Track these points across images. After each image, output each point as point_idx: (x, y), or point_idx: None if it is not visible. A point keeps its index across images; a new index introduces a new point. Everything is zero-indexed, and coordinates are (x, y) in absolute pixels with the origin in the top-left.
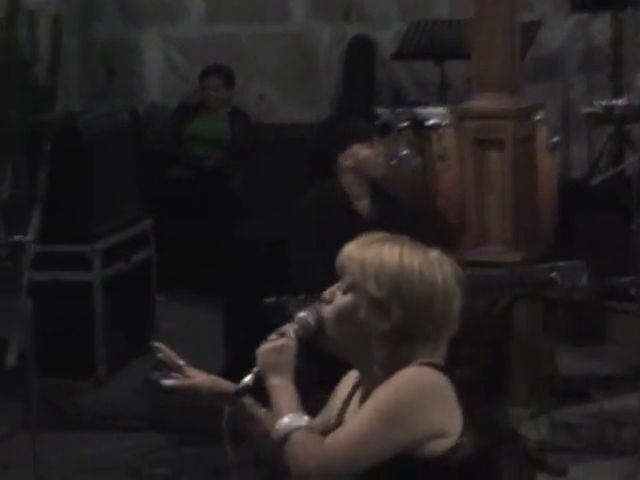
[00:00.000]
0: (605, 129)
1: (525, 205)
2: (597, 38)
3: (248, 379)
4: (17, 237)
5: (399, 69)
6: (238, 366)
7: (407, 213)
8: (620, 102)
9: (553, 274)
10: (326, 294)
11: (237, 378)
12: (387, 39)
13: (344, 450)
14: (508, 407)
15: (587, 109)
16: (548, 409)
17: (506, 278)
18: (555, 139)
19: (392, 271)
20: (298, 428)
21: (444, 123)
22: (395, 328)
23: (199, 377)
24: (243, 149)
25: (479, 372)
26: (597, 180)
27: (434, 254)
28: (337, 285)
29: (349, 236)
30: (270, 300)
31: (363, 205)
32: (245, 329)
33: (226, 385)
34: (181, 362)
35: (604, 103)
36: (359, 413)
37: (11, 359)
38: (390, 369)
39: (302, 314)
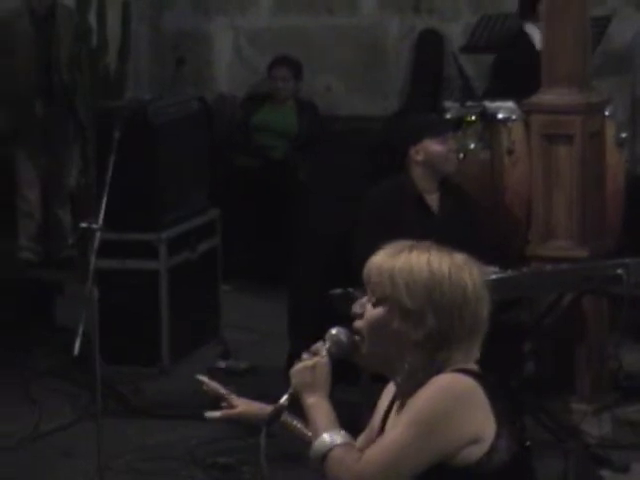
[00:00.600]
0: None
1: (592, 201)
2: None
3: (283, 400)
4: (84, 224)
5: (468, 63)
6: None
7: (476, 208)
8: None
9: (619, 270)
10: (356, 308)
11: None
12: (456, 32)
13: (383, 464)
14: (572, 403)
15: None
16: (611, 406)
17: (572, 273)
18: (623, 135)
19: (423, 279)
20: (336, 445)
21: (513, 117)
22: (429, 336)
23: (243, 405)
24: (310, 140)
25: (544, 367)
26: None
27: (461, 258)
28: (366, 298)
29: (419, 229)
30: (337, 291)
31: (433, 199)
32: (311, 320)
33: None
34: (224, 391)
35: None
36: (395, 425)
37: (77, 347)
38: (425, 377)
39: (334, 331)
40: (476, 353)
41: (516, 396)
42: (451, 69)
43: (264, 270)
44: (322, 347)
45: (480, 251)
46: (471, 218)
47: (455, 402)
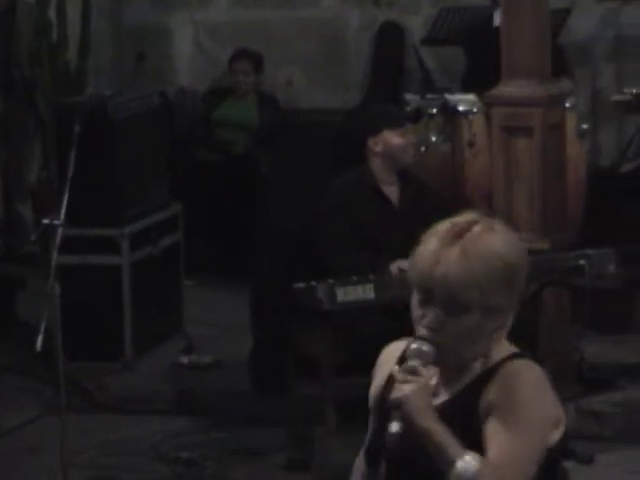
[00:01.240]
0: (634, 117)
1: (553, 193)
2: (628, 25)
3: (397, 428)
4: (46, 221)
5: (428, 55)
6: (266, 350)
7: (436, 200)
8: None
9: (581, 262)
10: (433, 324)
11: (264, 363)
12: (416, 24)
13: (520, 469)
14: None
15: (617, 97)
16: (575, 397)
17: (534, 265)
18: (584, 127)
19: (500, 277)
20: (478, 468)
21: (474, 110)
22: (502, 321)
23: None
24: (271, 134)
25: None
26: (626, 168)
27: (505, 231)
28: (434, 312)
29: (378, 221)
30: (300, 285)
31: (392, 191)
32: (273, 314)
33: None
34: None
35: (634, 91)
36: (500, 432)
37: (39, 343)
38: (489, 355)
39: (414, 345)
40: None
41: None
42: (411, 61)
43: (226, 264)
44: (418, 366)
45: None
46: (431, 210)
47: (545, 391)
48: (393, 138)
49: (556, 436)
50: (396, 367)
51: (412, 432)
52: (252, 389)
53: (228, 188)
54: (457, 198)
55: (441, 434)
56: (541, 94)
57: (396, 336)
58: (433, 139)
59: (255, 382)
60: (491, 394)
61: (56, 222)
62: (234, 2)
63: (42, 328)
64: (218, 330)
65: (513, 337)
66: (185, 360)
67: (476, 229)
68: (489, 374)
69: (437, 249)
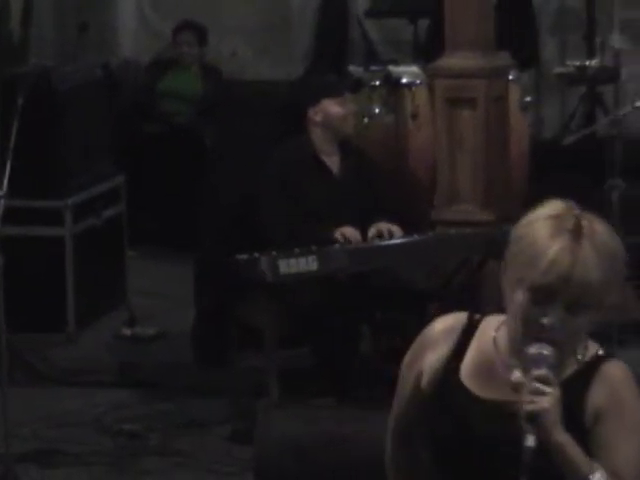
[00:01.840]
0: (578, 90)
1: (497, 165)
2: None
3: (532, 442)
4: None
5: (372, 27)
6: (209, 322)
7: (377, 171)
8: (593, 63)
9: None
10: (556, 324)
11: (207, 335)
12: None
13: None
14: None
15: (560, 69)
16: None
17: (477, 237)
18: (527, 99)
19: (619, 275)
20: None
21: (417, 81)
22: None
23: None
24: (215, 105)
25: None
26: (569, 140)
27: (599, 222)
28: (557, 310)
29: (318, 190)
30: (242, 256)
31: (333, 161)
32: (217, 285)
33: None
34: None
35: (577, 64)
36: (619, 441)
37: None
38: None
39: (533, 350)
40: None
41: None
42: (356, 33)
43: (170, 236)
44: (547, 374)
45: (379, 214)
46: (372, 181)
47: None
48: (332, 107)
49: None
50: (518, 373)
51: (545, 446)
52: (195, 361)
53: (172, 160)
54: (401, 170)
55: (572, 448)
56: (484, 66)
57: (337, 307)
58: (376, 111)
59: (198, 354)
60: (596, 398)
61: None
62: None
63: None
64: (162, 302)
65: (461, 302)
66: (128, 332)
67: (585, 223)
68: (586, 373)
69: (568, 248)
